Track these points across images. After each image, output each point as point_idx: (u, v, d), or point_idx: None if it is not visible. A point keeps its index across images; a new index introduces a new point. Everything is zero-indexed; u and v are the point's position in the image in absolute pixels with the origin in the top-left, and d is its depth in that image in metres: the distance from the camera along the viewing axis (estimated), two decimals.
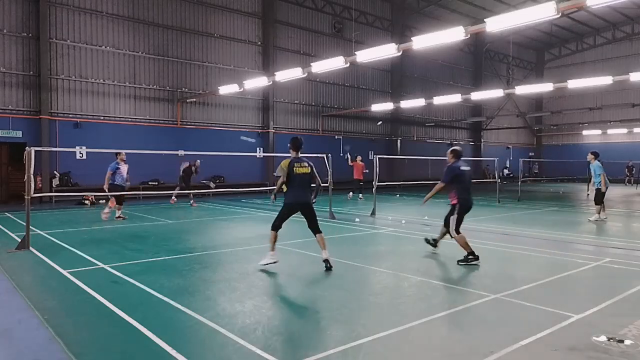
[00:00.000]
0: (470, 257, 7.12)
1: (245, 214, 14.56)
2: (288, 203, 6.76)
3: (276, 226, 6.80)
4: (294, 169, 6.65)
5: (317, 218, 6.93)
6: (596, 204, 12.71)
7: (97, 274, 6.47)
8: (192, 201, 17.17)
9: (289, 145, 6.93)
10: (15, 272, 6.58)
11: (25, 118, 17.87)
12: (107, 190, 12.10)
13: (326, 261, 6.62)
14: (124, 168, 12.34)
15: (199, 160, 16.87)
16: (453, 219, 7.30)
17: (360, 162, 19.96)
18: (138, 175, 19.55)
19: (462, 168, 7.36)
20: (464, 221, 7.43)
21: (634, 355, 3.75)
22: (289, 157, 6.83)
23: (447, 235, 7.71)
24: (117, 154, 12.42)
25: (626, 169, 32.96)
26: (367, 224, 12.07)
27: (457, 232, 7.26)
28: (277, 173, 6.83)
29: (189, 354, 3.76)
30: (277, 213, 6.87)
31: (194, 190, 17.40)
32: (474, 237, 9.53)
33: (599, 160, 12.49)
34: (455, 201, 7.32)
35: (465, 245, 7.15)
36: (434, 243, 8.08)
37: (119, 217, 12.58)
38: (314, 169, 6.89)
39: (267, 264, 6.72)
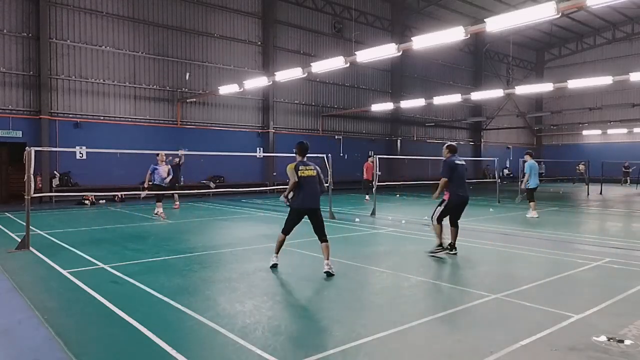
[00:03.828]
0: (438, 248, 7.70)
1: (245, 214, 14.56)
2: (295, 208, 6.62)
3: (286, 230, 6.73)
4: (299, 172, 6.51)
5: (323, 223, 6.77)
6: (529, 201, 13.28)
7: (97, 274, 6.47)
8: (176, 203, 16.21)
9: (294, 149, 6.75)
10: (15, 272, 6.58)
11: (25, 118, 17.87)
12: (147, 189, 12.91)
13: (327, 272, 6.37)
14: (162, 168, 12.93)
15: (182, 153, 15.39)
16: (439, 210, 7.79)
17: (371, 162, 19.82)
18: (138, 175, 19.58)
19: (457, 162, 7.71)
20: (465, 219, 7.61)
21: (634, 355, 3.75)
22: (294, 161, 6.68)
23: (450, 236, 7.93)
24: (157, 154, 13.13)
25: (623, 169, 32.80)
26: (367, 224, 12.06)
27: (438, 221, 7.76)
28: (289, 178, 6.60)
29: (189, 354, 3.76)
30: (285, 217, 6.80)
31: (186, 190, 16.99)
32: (474, 237, 9.55)
33: (534, 160, 13.39)
34: (446, 196, 7.77)
35: (439, 235, 7.71)
36: (450, 247, 7.88)
37: (156, 213, 12.84)
38: (320, 173, 6.75)
39: (271, 265, 6.79)
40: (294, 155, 6.80)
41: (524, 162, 13.60)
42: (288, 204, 6.71)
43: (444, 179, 7.64)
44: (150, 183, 13.01)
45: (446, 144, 8.01)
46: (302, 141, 6.85)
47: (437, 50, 27.01)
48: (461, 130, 36.73)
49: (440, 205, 7.81)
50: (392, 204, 17.97)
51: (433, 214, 7.89)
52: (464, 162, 7.90)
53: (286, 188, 6.64)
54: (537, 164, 13.59)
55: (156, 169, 12.90)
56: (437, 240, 7.70)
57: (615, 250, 8.36)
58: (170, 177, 13.23)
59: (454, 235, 7.94)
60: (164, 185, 12.95)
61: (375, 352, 3.85)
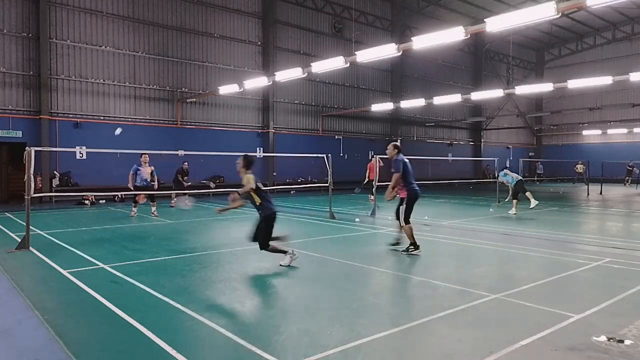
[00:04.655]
0: (411, 247, 7.83)
1: (245, 214, 14.54)
2: (273, 214, 6.80)
3: (275, 240, 6.89)
4: (258, 183, 6.80)
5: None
6: (515, 198, 14.21)
7: (97, 274, 6.47)
8: (187, 200, 17.31)
9: (242, 162, 6.88)
10: (15, 272, 6.58)
11: (25, 118, 17.87)
12: (132, 190, 13.04)
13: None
14: (144, 169, 13.10)
15: (186, 163, 17.17)
16: (403, 209, 7.89)
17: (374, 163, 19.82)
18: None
19: (405, 159, 7.99)
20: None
21: (633, 355, 3.75)
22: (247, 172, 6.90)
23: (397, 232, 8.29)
24: (140, 155, 13.27)
25: (627, 168, 32.35)
26: (367, 224, 12.06)
27: (407, 222, 7.83)
28: (246, 184, 6.78)
29: (189, 354, 3.76)
30: (259, 230, 6.78)
31: (190, 190, 17.30)
32: (474, 237, 9.55)
33: (503, 171, 15.04)
34: (404, 194, 7.94)
35: (411, 235, 7.82)
36: (397, 243, 8.31)
37: (153, 213, 13.36)
38: None
39: (287, 264, 6.84)
40: (239, 162, 6.98)
41: (499, 176, 15.26)
42: (224, 210, 7.03)
43: (397, 175, 7.82)
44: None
45: (393, 143, 8.24)
46: (247, 154, 7.04)
47: (437, 50, 27.01)
48: (461, 130, 36.74)
49: (401, 204, 7.98)
50: (392, 204, 17.92)
51: (399, 217, 7.98)
52: (407, 160, 8.16)
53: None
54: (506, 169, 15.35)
55: (138, 169, 12.98)
56: (410, 240, 7.86)
57: (615, 250, 8.36)
58: (154, 178, 13.42)
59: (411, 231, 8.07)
60: (149, 186, 13.15)
61: (375, 352, 3.85)
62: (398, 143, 8.40)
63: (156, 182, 13.56)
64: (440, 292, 5.68)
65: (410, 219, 7.89)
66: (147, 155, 13.21)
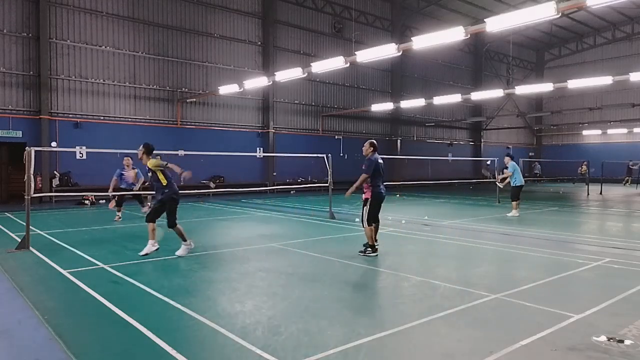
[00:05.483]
0: (368, 249, 7.68)
1: (245, 214, 14.55)
2: (177, 193, 7.56)
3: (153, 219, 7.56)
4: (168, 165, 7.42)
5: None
6: (512, 200, 13.61)
7: (97, 274, 6.47)
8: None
9: (143, 149, 7.57)
10: (15, 272, 6.58)
11: (25, 118, 17.87)
12: (110, 194, 12.82)
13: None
14: (128, 173, 12.70)
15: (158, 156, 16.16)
16: (366, 210, 7.68)
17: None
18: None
19: (379, 160, 7.76)
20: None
21: (634, 355, 3.75)
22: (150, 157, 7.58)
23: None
24: (123, 157, 12.96)
25: (628, 167, 32.19)
26: None
27: (369, 223, 7.64)
28: (156, 166, 7.39)
29: (189, 354, 3.76)
30: (168, 210, 7.50)
31: (186, 190, 16.84)
32: (474, 237, 9.55)
33: (513, 161, 14.03)
34: (369, 194, 7.70)
35: (371, 237, 7.66)
36: (372, 247, 7.85)
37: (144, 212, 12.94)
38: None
39: (182, 254, 7.52)
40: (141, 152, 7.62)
41: (505, 166, 14.28)
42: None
43: (364, 175, 7.60)
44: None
45: (369, 141, 7.99)
46: (147, 142, 7.73)
47: (437, 50, 27.03)
48: (461, 130, 36.73)
49: (365, 205, 7.71)
50: (392, 204, 17.95)
51: (362, 218, 7.75)
52: (382, 161, 7.92)
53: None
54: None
55: (122, 174, 12.69)
56: (370, 242, 7.66)
57: (615, 250, 8.35)
58: (141, 181, 12.93)
59: (375, 231, 7.82)
60: (132, 189, 12.74)
61: (375, 352, 3.85)
62: (375, 141, 8.03)
63: (138, 184, 12.97)
64: (440, 292, 5.67)
65: (372, 221, 7.62)
66: (129, 159, 12.79)
